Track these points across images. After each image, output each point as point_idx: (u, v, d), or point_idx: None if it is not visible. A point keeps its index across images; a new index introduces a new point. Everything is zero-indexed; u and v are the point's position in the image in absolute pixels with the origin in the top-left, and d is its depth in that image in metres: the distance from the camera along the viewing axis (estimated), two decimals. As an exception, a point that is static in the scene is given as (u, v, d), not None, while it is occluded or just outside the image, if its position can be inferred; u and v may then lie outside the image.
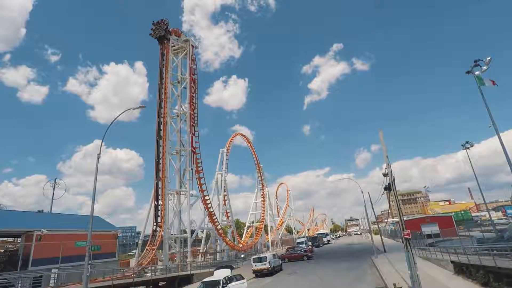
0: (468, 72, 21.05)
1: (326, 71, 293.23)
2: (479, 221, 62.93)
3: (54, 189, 51.81)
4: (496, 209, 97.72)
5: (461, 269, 18.92)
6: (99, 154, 16.51)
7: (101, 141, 17.19)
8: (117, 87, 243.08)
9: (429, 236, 38.46)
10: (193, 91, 44.29)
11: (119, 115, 18.06)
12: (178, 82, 44.46)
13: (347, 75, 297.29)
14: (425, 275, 18.32)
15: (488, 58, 20.37)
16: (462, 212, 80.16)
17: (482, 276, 15.86)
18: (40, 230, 27.05)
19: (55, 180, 53.45)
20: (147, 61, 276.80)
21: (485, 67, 20.44)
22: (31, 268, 25.38)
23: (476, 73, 20.62)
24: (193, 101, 44.06)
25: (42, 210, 39.55)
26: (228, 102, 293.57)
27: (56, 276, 22.64)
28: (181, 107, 43.60)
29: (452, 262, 20.31)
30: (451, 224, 50.17)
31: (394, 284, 15.98)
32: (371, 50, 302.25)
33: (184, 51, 46.00)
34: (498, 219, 65.97)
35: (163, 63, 42.12)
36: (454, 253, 20.52)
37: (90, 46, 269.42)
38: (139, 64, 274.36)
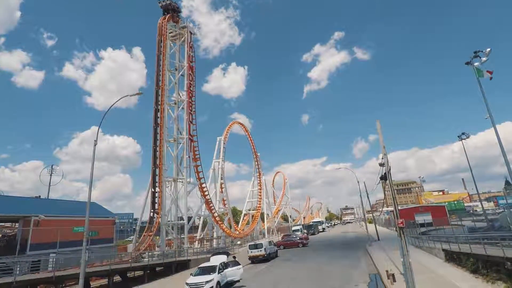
0: (467, 63, 21.02)
1: (326, 60, 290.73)
2: (471, 211, 64.14)
3: (51, 175, 51.81)
4: (488, 199, 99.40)
5: (451, 257, 19.43)
6: (96, 141, 16.48)
7: (98, 127, 17.13)
8: (115, 73, 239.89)
9: (422, 225, 39.24)
10: (191, 79, 43.86)
11: (116, 101, 17.93)
12: (176, 70, 43.94)
13: (347, 64, 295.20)
14: (416, 262, 18.79)
15: (488, 50, 20.31)
16: (455, 202, 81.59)
17: (471, 264, 16.32)
18: (38, 216, 27.18)
19: (51, 166, 53.40)
20: (145, 47, 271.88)
21: (484, 58, 20.40)
22: (29, 252, 25.63)
23: (476, 64, 20.59)
24: (191, 88, 43.69)
25: (40, 196, 39.61)
26: (227, 90, 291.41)
27: (54, 260, 22.91)
28: (179, 94, 43.25)
29: (443, 250, 20.83)
30: (443, 214, 51.14)
31: (387, 271, 16.40)
32: (372, 39, 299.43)
33: (182, 37, 45.27)
34: (491, 209, 67.20)
35: (160, 50, 41.51)
36: (445, 241, 21.01)
37: (87, 30, 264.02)
38: (137, 50, 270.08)
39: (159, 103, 39.03)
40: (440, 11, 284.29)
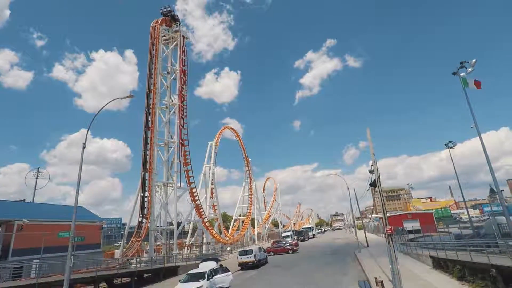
0: (454, 73, 21.60)
1: (318, 66, 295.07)
2: (457, 218, 65.27)
3: (37, 178, 50.46)
4: (474, 207, 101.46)
5: (438, 264, 19.67)
6: (84, 144, 16.18)
7: (87, 130, 16.83)
8: (106, 76, 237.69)
9: (410, 232, 39.72)
10: (183, 83, 43.72)
11: (107, 104, 17.70)
12: (168, 73, 43.78)
13: (339, 71, 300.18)
14: (405, 269, 18.95)
15: (474, 61, 20.93)
16: (442, 209, 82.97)
17: (458, 271, 16.55)
18: (22, 220, 26.36)
19: (38, 169, 52.03)
20: (138, 50, 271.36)
21: (470, 69, 21.00)
22: (12, 258, 24.77)
23: (462, 74, 21.17)
24: (183, 92, 43.54)
25: (24, 200, 38.53)
26: (219, 94, 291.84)
27: (37, 266, 22.21)
28: (171, 98, 43.02)
29: (431, 257, 21.07)
30: (431, 221, 51.92)
31: (376, 278, 16.46)
32: (364, 47, 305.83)
33: (174, 41, 45.23)
34: (476, 216, 68.55)
35: (152, 53, 41.35)
36: (433, 248, 21.28)
37: (78, 31, 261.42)
38: (129, 53, 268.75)
39: (151, 106, 38.72)
40: (429, 21, 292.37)
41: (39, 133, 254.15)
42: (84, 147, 16.11)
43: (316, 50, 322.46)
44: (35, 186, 49.77)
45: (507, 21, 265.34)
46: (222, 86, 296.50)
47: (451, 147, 34.26)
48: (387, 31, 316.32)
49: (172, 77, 43.50)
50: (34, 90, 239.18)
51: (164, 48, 44.25)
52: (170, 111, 41.97)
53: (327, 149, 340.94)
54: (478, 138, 19.53)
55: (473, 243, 17.42)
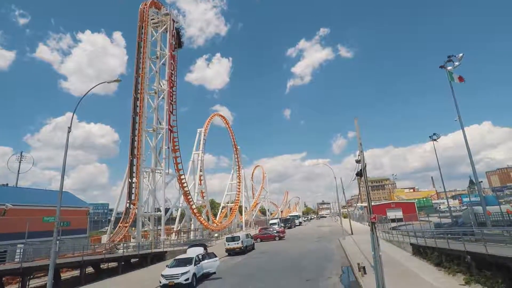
0: (441, 66, 22.01)
1: (311, 56, 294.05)
2: (438, 208, 67.71)
3: (20, 162, 49.25)
4: (454, 197, 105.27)
5: (418, 251, 20.54)
6: (70, 127, 15.83)
7: (72, 113, 16.45)
8: (93, 58, 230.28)
9: (393, 220, 41.06)
10: (172, 68, 42.92)
11: (93, 87, 17.25)
12: (157, 58, 42.85)
13: (330, 61, 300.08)
14: (386, 255, 19.68)
15: (461, 55, 21.34)
16: (424, 199, 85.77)
17: (436, 257, 17.35)
18: (5, 204, 25.86)
19: (21, 153, 50.74)
20: (126, 32, 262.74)
21: (457, 63, 21.43)
22: (-5, 242, 24.43)
23: (449, 68, 21.60)
24: (172, 78, 42.79)
25: (7, 184, 37.66)
26: (210, 81, 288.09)
27: (22, 251, 21.98)
28: (160, 84, 42.25)
29: (411, 244, 21.95)
30: (413, 210, 53.73)
31: (358, 264, 17.11)
32: (356, 38, 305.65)
33: (164, 25, 44.08)
34: (454, 206, 71.25)
35: (141, 37, 40.26)
36: (413, 236, 22.14)
37: (63, 10, 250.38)
38: (117, 35, 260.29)
39: (139, 91, 37.99)
40: (420, 12, 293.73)
41: (22, 115, 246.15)
42: (69, 131, 15.76)
43: (309, 38, 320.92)
44: (18, 170, 48.65)
45: (495, 17, 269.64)
46: (213, 73, 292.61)
47: (435, 140, 35.17)
48: (380, 22, 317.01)
49: (161, 62, 42.62)
50: (17, 71, 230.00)
51: (153, 31, 43.11)
52: (159, 97, 41.30)
53: (316, 138, 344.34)
54: (461, 131, 20.16)
55: (451, 231, 18.23)
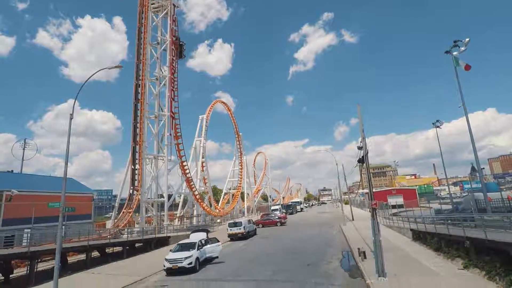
0: (447, 52, 21.61)
1: (314, 41, 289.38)
2: (439, 195, 68.09)
3: (24, 149, 49.65)
4: (455, 184, 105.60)
5: (418, 236, 20.81)
6: (71, 114, 15.82)
7: (74, 100, 16.40)
8: (94, 44, 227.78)
9: (394, 206, 41.39)
10: (173, 54, 42.42)
11: (94, 73, 17.11)
12: (158, 44, 42.28)
13: (334, 46, 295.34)
14: (386, 241, 19.96)
15: (467, 40, 20.90)
16: (425, 186, 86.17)
17: (435, 242, 17.59)
18: (10, 190, 26.26)
19: (25, 140, 51.07)
20: (127, 17, 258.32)
21: (463, 48, 21.02)
22: (2, 227, 24.97)
23: (454, 53, 21.21)
24: (173, 64, 42.36)
25: (12, 171, 38.06)
26: (212, 67, 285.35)
27: (29, 235, 22.48)
28: (161, 70, 41.87)
29: (411, 230, 22.22)
30: (414, 196, 54.07)
31: (359, 249, 17.40)
32: (361, 22, 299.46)
33: (164, 10, 43.25)
34: (455, 193, 71.59)
35: (141, 22, 39.62)
36: (413, 222, 22.37)
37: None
38: (118, 20, 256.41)
39: (140, 78, 37.73)
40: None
41: (24, 102, 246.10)
42: (71, 118, 15.77)
43: (313, 23, 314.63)
44: (23, 157, 49.14)
45: (502, 2, 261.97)
46: (215, 59, 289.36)
47: (438, 126, 34.92)
48: (384, 6, 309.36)
49: (162, 48, 42.09)
50: (17, 57, 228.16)
51: (154, 16, 42.34)
52: (160, 83, 41.02)
53: (318, 125, 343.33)
54: (465, 118, 19.99)
55: (451, 217, 18.39)
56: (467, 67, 20.88)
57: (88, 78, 16.73)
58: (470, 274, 12.46)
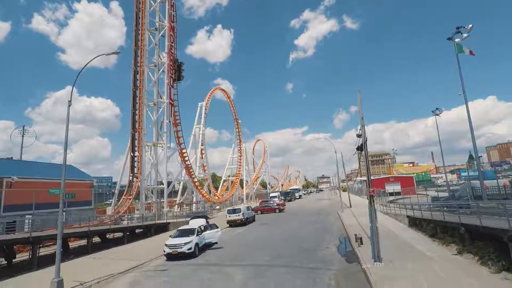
0: (449, 38, 21.37)
1: (315, 27, 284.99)
2: (436, 182, 68.69)
3: (23, 136, 49.53)
4: (452, 172, 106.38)
5: (414, 223, 21.13)
6: (70, 101, 15.73)
7: (72, 87, 16.27)
8: (91, 29, 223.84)
9: (391, 194, 41.81)
10: (172, 40, 41.76)
11: (91, 60, 16.91)
12: (156, 29, 41.50)
13: (335, 33, 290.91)
14: (383, 227, 20.29)
15: (470, 26, 20.63)
16: (423, 174, 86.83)
17: (431, 229, 17.90)
18: (10, 177, 26.37)
19: (23, 127, 50.87)
20: (123, 2, 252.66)
21: (465, 35, 20.78)
22: (3, 214, 25.19)
23: (457, 40, 20.98)
24: (172, 50, 41.76)
25: (12, 158, 38.08)
26: (211, 53, 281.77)
27: (30, 221, 22.73)
28: (159, 56, 41.30)
29: (407, 216, 22.55)
30: (411, 184, 54.54)
31: (356, 235, 17.69)
32: (363, 8, 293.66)
33: (162, -7, 42.22)
34: (453, 181, 72.21)
35: (139, 7, 38.81)
36: (410, 209, 22.68)
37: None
38: (114, 4, 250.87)
39: (138, 64, 37.29)
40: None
41: (21, 89, 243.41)
42: (69, 105, 15.68)
43: (314, 9, 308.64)
44: (22, 144, 49.11)
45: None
46: (214, 45, 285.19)
47: (437, 114, 34.92)
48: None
49: (160, 34, 41.37)
50: (13, 43, 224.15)
51: (152, 1, 41.40)
52: (159, 70, 40.56)
53: (318, 113, 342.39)
54: (465, 106, 19.97)
55: (447, 205, 18.64)
56: (471, 53, 20.71)
57: (86, 64, 16.54)
58: (463, 259, 12.75)
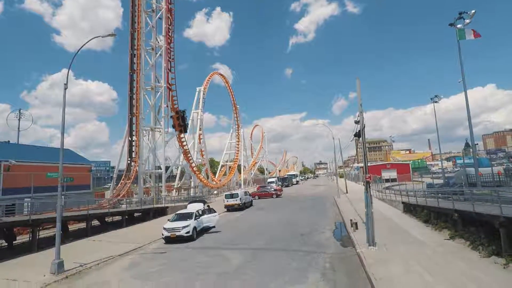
0: (451, 24, 21.05)
1: (316, 11, 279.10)
2: (431, 169, 69.44)
3: (19, 120, 49.08)
4: (448, 159, 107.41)
5: (409, 209, 21.52)
6: (66, 84, 15.53)
7: (68, 69, 16.02)
8: (86, 10, 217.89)
9: (387, 180, 42.31)
10: (169, 23, 40.80)
11: (87, 42, 16.57)
12: (153, 11, 40.46)
13: (336, 17, 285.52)
14: (378, 213, 20.65)
15: (473, 11, 20.30)
16: (419, 161, 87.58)
17: (425, 215, 18.26)
18: (8, 161, 26.34)
19: (19, 110, 50.31)
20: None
21: (468, 20, 20.47)
22: (2, 196, 25.31)
23: (459, 26, 20.67)
24: (170, 33, 40.88)
25: (9, 141, 37.87)
26: (210, 37, 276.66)
27: (29, 204, 22.87)
28: (157, 39, 40.49)
29: (402, 202, 22.93)
30: (407, 171, 55.08)
31: (351, 220, 18.03)
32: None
33: (158, -27, 40.94)
34: (448, 168, 72.97)
35: (134, -14, 37.61)
36: (405, 195, 23.02)
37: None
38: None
39: (135, 47, 36.57)
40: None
41: (16, 71, 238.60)
42: (66, 88, 15.49)
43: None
44: (19, 128, 48.74)
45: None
46: (213, 28, 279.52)
47: (436, 102, 34.86)
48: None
49: (157, 16, 40.37)
50: (6, 23, 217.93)
51: (147, -19, 40.15)
52: (156, 54, 39.86)
53: (317, 98, 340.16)
54: (463, 94, 19.92)
55: (441, 191, 18.92)
56: (476, 35, 20.40)
57: (82, 46, 16.26)
58: (455, 244, 13.08)
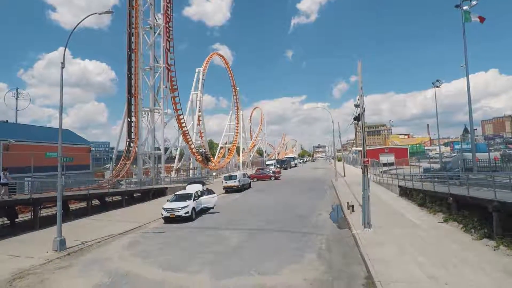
0: (457, 6, 20.56)
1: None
2: (429, 154, 69.94)
3: (17, 99, 48.65)
4: (446, 144, 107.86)
5: (405, 193, 21.84)
6: (63, 63, 15.27)
7: (64, 48, 15.70)
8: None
9: (385, 164, 42.65)
10: (168, 0, 39.63)
11: (83, 19, 16.15)
12: (151, -13, 39.14)
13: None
14: (375, 196, 20.94)
15: (479, -6, 19.78)
16: (417, 146, 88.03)
17: (420, 198, 18.56)
18: (7, 140, 26.33)
19: (17, 89, 49.77)
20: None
21: (474, 2, 20.00)
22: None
23: (465, 8, 20.21)
24: (168, 12, 39.79)
25: (7, 121, 37.70)
26: (210, 16, 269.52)
27: (30, 184, 23.06)
28: (155, 18, 39.41)
29: (399, 186, 23.23)
30: (405, 155, 55.50)
31: (348, 202, 18.33)
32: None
33: None
34: (446, 153, 73.39)
35: (130, -40, 36.19)
36: (402, 179, 23.29)
37: None
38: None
39: (133, 26, 35.68)
40: None
41: (11, 49, 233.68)
42: (63, 67, 15.24)
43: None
44: (16, 107, 48.48)
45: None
46: (213, 7, 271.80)
47: (437, 86, 34.62)
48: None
49: (155, -8, 39.12)
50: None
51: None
52: (155, 33, 38.94)
53: (317, 81, 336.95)
54: (464, 79, 19.75)
55: (438, 176, 19.16)
56: (481, 19, 20.03)
57: (78, 24, 15.88)
58: (448, 227, 13.39)
